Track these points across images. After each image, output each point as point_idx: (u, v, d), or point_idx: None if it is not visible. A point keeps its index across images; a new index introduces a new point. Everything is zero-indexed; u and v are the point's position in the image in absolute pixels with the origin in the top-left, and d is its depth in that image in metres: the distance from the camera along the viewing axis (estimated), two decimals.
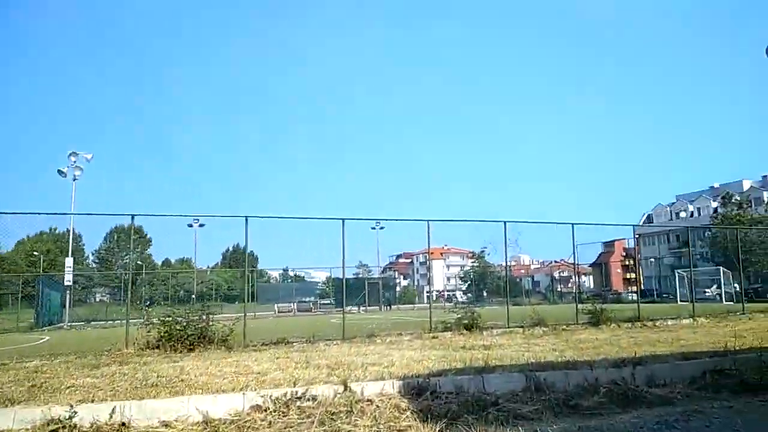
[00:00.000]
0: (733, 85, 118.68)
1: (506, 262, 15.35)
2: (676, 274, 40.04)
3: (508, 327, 14.50)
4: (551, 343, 10.82)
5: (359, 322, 15.17)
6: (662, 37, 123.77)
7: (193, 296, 44.56)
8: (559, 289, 72.82)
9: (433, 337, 12.94)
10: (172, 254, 79.49)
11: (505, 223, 14.84)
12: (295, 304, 41.16)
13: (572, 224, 15.93)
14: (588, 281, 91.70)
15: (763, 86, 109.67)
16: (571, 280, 71.11)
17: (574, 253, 16.49)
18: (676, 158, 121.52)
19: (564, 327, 14.86)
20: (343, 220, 12.74)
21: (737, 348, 8.04)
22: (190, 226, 35.76)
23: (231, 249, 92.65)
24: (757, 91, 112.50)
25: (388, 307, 34.24)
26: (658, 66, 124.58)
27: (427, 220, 13.90)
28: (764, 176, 65.32)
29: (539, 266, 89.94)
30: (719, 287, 44.51)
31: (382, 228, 26.57)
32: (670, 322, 16.01)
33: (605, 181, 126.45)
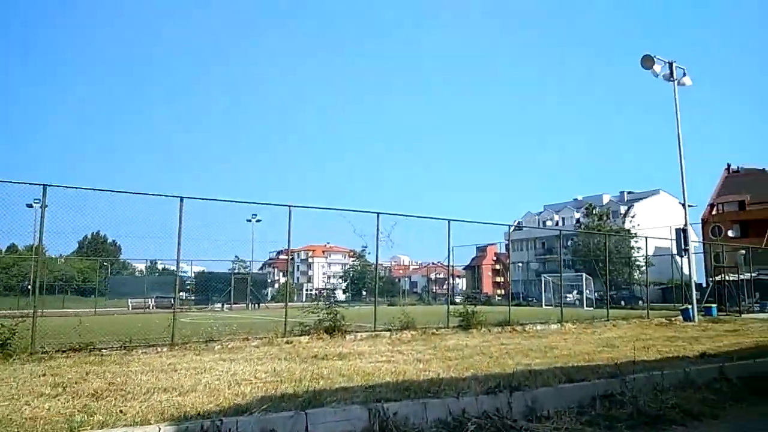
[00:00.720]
0: (602, 104, 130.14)
1: (377, 255, 13.92)
2: (542, 279, 41.66)
3: (375, 330, 13.00)
4: (417, 351, 9.42)
5: (208, 323, 12.83)
6: (537, 53, 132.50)
7: (29, 287, 38.42)
8: (434, 290, 74.05)
9: (287, 342, 11.04)
10: (19, 239, 69.12)
11: (378, 214, 13.34)
12: (153, 299, 36.99)
13: (449, 220, 14.92)
14: (462, 283, 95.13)
15: (621, 106, 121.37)
16: (449, 282, 72.91)
17: (449, 251, 15.52)
18: (547, 171, 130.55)
19: (434, 330, 13.70)
20: (181, 198, 10.36)
21: (618, 362, 7.07)
22: (30, 206, 30.55)
23: (89, 237, 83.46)
24: (620, 111, 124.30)
25: (257, 306, 31.71)
26: (527, 85, 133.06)
27: (289, 206, 11.95)
28: (621, 192, 71.53)
29: (417, 267, 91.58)
30: (580, 293, 47.42)
31: (258, 221, 24.16)
32: (539, 327, 15.52)
33: (485, 189, 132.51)
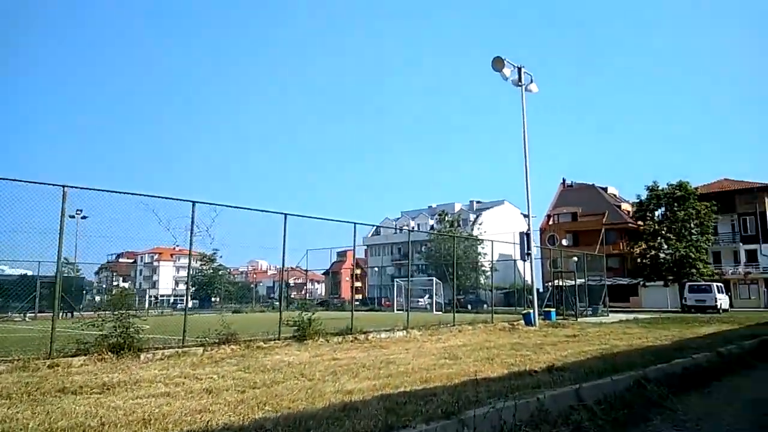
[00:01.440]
0: (457, 114, 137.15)
1: (189, 252, 11.42)
2: (395, 284, 41.33)
3: (184, 346, 10.53)
4: (220, 375, 7.33)
5: None
6: (399, 56, 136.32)
7: None
8: (292, 296, 71.35)
9: (50, 366, 8.28)
10: None
11: (193, 203, 10.93)
12: None
13: (285, 214, 12.90)
14: (320, 289, 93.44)
15: (478, 116, 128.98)
16: (306, 287, 70.81)
17: (284, 248, 13.49)
18: (407, 179, 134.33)
19: (262, 343, 11.59)
20: None
21: (459, 384, 5.63)
22: None
23: None
24: (479, 121, 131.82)
25: (70, 314, 26.87)
26: (393, 93, 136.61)
27: (61, 187, 9.09)
28: (471, 201, 75.12)
29: (276, 272, 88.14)
30: (431, 297, 48.14)
31: (84, 217, 19.95)
32: (383, 335, 14.14)
33: (348, 194, 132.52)
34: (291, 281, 75.00)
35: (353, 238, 14.92)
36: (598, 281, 54.80)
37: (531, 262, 19.65)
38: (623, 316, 27.10)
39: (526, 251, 19.08)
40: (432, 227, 68.45)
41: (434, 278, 39.64)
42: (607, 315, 27.46)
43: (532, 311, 18.78)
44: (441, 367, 8.04)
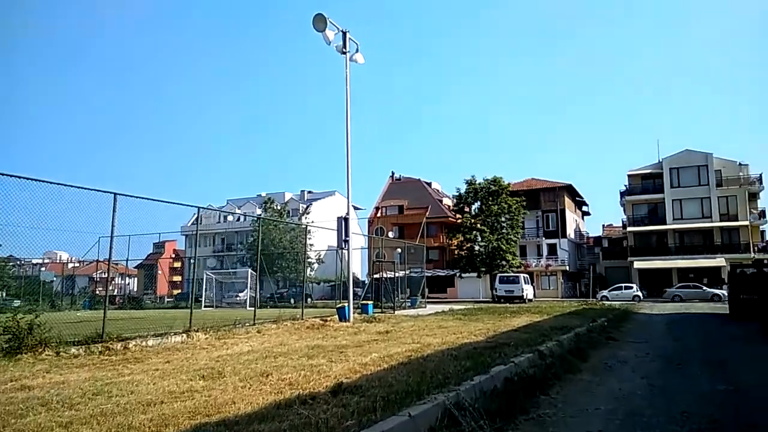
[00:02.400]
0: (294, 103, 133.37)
1: None
2: (205, 276, 37.23)
3: None
4: None
5: None
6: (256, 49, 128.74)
7: None
8: (97, 292, 62.13)
9: None
10: None
11: None
12: None
13: (114, 193, 9.54)
14: (133, 283, 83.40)
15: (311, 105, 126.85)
16: (115, 281, 62.09)
17: (111, 236, 10.04)
18: (236, 166, 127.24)
19: None
20: None
21: None
22: None
23: None
24: (315, 109, 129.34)
25: None
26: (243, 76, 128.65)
27: None
28: (302, 191, 72.79)
29: (79, 264, 76.58)
30: (253, 291, 44.66)
31: None
32: (152, 342, 10.94)
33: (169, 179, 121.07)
34: (95, 275, 65.49)
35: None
36: (420, 273, 56.52)
37: (348, 251, 17.82)
38: (441, 307, 26.92)
39: (343, 237, 17.15)
40: (259, 216, 64.70)
41: (249, 270, 36.42)
42: (425, 306, 27.06)
43: (347, 305, 16.90)
44: (179, 397, 5.37)
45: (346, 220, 17.44)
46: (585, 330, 12.64)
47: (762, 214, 47.91)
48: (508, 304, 33.92)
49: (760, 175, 48.06)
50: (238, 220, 66.06)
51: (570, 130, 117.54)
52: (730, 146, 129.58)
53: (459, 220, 42.43)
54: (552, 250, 52.52)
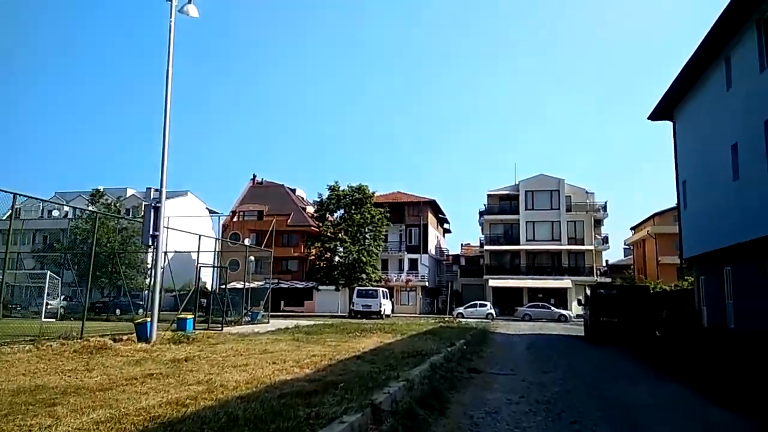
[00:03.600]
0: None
1: None
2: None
3: None
4: None
5: None
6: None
7: None
8: None
9: None
10: None
11: None
12: None
13: None
14: None
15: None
16: None
17: None
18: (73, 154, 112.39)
19: None
20: None
21: None
22: None
23: None
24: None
25: None
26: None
27: None
28: (148, 188, 65.05)
29: None
30: (67, 299, 37.70)
31: None
32: None
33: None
34: None
35: None
36: (276, 284, 52.43)
37: (157, 248, 13.89)
38: (288, 323, 23.63)
39: (151, 232, 13.23)
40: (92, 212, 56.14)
41: (48, 272, 30.20)
42: (268, 322, 23.54)
43: (149, 320, 12.95)
44: None
45: (156, 209, 13.58)
46: (442, 358, 10.21)
47: (605, 239, 51.30)
48: (364, 320, 31.62)
49: (605, 203, 51.54)
50: (65, 216, 56.87)
51: (436, 148, 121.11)
52: (577, 174, 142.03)
53: (320, 228, 39.43)
54: (413, 265, 51.64)
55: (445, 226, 64.54)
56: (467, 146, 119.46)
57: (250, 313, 23.68)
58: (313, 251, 37.87)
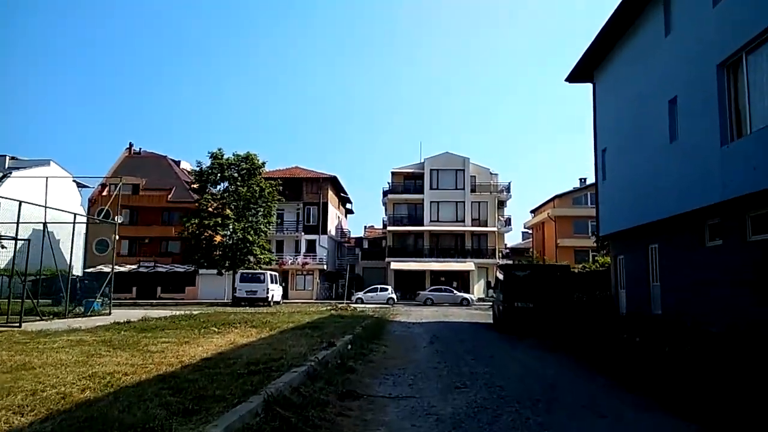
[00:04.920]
0: None
1: None
2: None
3: None
4: None
5: None
6: None
7: None
8: None
9: None
10: None
11: None
12: None
13: None
14: None
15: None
16: None
17: None
18: None
19: None
20: None
21: None
22: None
23: None
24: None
25: None
26: None
27: None
28: (4, 155, 55.49)
29: None
30: None
31: None
32: None
33: None
34: None
35: None
36: (152, 267, 46.24)
37: None
38: (144, 313, 19.00)
39: None
40: None
41: None
42: (109, 312, 18.67)
43: None
44: None
45: None
46: (304, 373, 6.58)
47: (508, 221, 50.33)
48: (248, 308, 27.42)
49: (509, 184, 50.48)
50: None
51: (336, 129, 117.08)
52: (482, 154, 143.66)
53: (199, 202, 33.93)
54: (311, 247, 47.72)
55: (348, 206, 61.02)
56: (375, 127, 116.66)
57: (85, 304, 18.68)
58: (190, 228, 32.56)
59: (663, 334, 11.21)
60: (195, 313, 20.30)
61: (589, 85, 19.68)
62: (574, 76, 19.51)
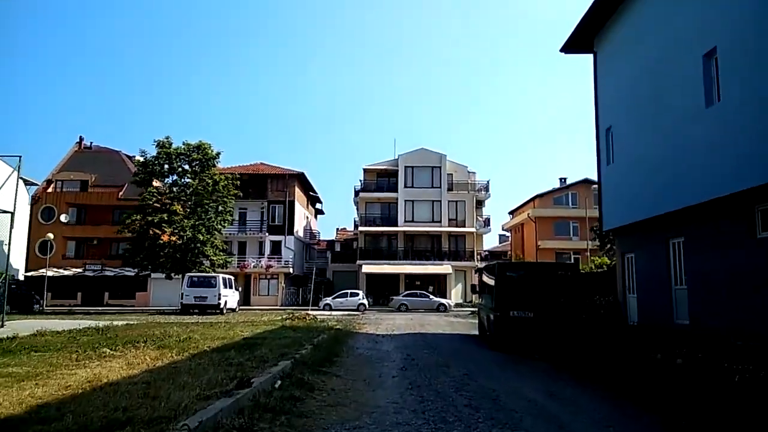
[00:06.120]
0: None
1: None
2: None
3: None
4: None
5: None
6: None
7: None
8: None
9: None
10: None
11: None
12: None
13: None
14: None
15: None
16: None
17: None
18: None
19: None
20: None
21: None
22: None
23: None
24: None
25: None
26: None
27: None
28: None
29: None
30: None
31: None
32: None
33: None
34: None
35: None
36: (99, 271, 41.99)
37: None
38: (56, 324, 15.50)
39: None
40: None
41: None
42: (1, 324, 15.04)
43: None
44: None
45: None
46: None
47: (487, 222, 47.57)
48: (196, 317, 23.95)
49: (488, 182, 47.71)
50: None
51: (310, 128, 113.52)
52: (459, 151, 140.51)
53: (143, 197, 29.92)
54: (276, 248, 44.13)
55: (318, 206, 57.49)
56: (347, 126, 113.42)
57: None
58: (131, 227, 28.67)
59: (712, 356, 8.28)
60: (118, 324, 16.73)
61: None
62: (571, 45, 16.63)
